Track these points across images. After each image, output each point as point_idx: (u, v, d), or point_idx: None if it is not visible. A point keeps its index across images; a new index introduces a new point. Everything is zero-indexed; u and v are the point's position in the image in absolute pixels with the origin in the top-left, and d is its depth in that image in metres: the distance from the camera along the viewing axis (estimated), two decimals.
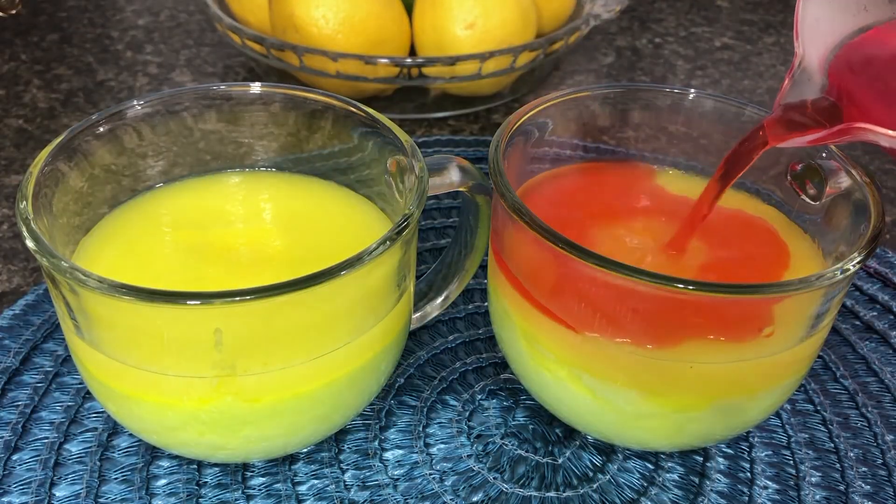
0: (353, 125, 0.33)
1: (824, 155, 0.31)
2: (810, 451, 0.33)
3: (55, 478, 0.30)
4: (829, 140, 0.26)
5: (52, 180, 0.29)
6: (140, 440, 0.32)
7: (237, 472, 0.31)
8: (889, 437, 0.34)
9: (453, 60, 0.50)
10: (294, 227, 0.32)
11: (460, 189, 0.32)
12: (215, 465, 0.31)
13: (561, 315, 0.28)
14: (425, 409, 0.34)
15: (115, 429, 0.32)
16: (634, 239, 0.31)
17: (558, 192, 0.33)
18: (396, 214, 0.32)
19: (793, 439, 0.33)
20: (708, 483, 0.32)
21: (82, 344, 0.27)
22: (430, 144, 0.51)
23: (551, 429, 0.33)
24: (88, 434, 0.32)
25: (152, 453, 0.31)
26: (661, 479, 0.32)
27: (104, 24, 0.65)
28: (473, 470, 0.32)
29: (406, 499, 0.30)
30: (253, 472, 0.31)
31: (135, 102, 0.32)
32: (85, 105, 0.55)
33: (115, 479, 0.30)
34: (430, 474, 0.31)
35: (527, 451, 0.32)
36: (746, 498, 0.31)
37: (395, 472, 0.31)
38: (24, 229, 0.26)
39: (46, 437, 0.32)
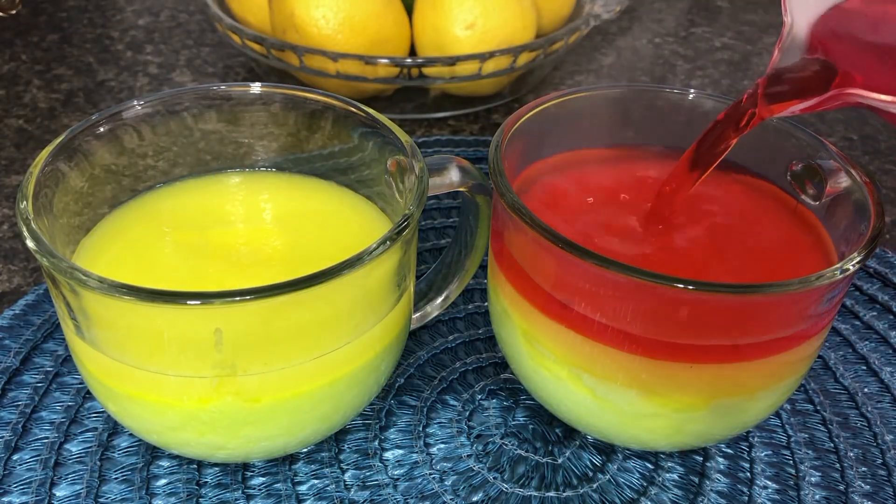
0: (353, 125, 0.33)
1: (824, 155, 0.31)
2: (810, 451, 0.33)
3: (55, 478, 0.30)
4: (821, 107, 0.26)
5: (53, 180, 0.29)
6: (140, 440, 0.32)
7: (237, 472, 0.31)
8: (889, 437, 0.34)
9: (453, 60, 0.50)
10: (294, 227, 0.32)
11: (460, 189, 0.32)
12: (215, 465, 0.31)
13: (561, 315, 0.28)
14: (425, 409, 0.34)
15: (115, 429, 0.32)
16: (636, 230, 0.31)
17: (557, 189, 0.33)
18: (396, 214, 0.32)
19: (792, 439, 0.33)
20: (708, 483, 0.32)
21: (82, 344, 0.27)
22: (430, 144, 0.51)
23: (551, 429, 0.33)
24: (88, 434, 0.32)
25: (152, 453, 0.31)
26: (661, 479, 0.32)
27: (104, 24, 0.65)
28: (473, 470, 0.32)
29: (406, 499, 0.30)
30: (253, 472, 0.31)
31: (135, 102, 0.32)
32: (85, 105, 0.55)
33: (115, 479, 0.30)
34: (430, 474, 0.31)
35: (527, 451, 0.32)
36: (746, 498, 0.31)
37: (395, 472, 0.31)
38: (24, 229, 0.26)
39: (46, 437, 0.32)
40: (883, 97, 0.24)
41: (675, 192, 0.31)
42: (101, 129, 0.31)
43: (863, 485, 0.32)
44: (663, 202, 0.31)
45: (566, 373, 0.29)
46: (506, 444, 0.33)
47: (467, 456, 0.32)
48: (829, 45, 0.27)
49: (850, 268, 0.26)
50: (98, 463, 0.31)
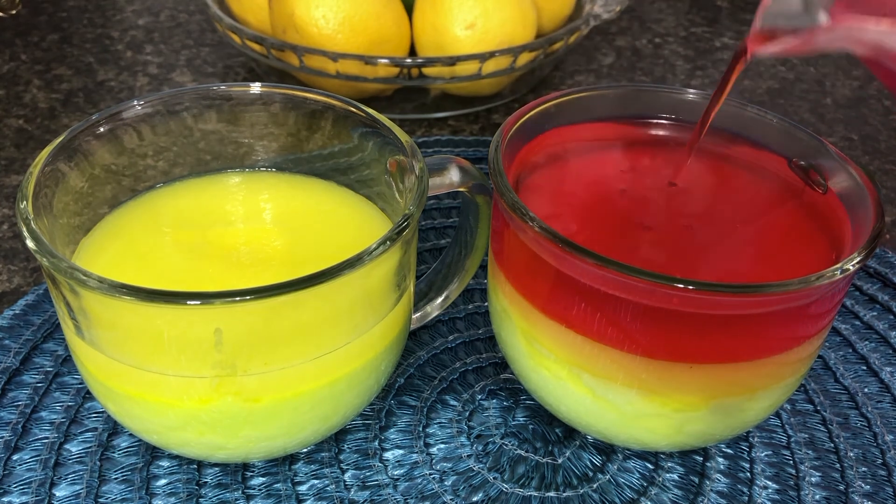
0: (353, 125, 0.33)
1: (824, 155, 0.31)
2: (810, 451, 0.33)
3: (55, 478, 0.30)
4: (812, 45, 0.26)
5: (53, 180, 0.29)
6: (140, 440, 0.32)
7: (237, 472, 0.31)
8: (889, 437, 0.34)
9: (453, 60, 0.50)
10: (294, 227, 0.32)
11: (460, 189, 0.32)
12: (215, 465, 0.31)
13: (561, 315, 0.28)
14: (425, 409, 0.34)
15: (115, 429, 0.32)
16: (637, 225, 0.31)
17: (557, 187, 0.33)
18: (396, 214, 0.32)
19: (793, 439, 0.33)
20: (708, 483, 0.32)
21: (82, 344, 0.27)
22: (430, 144, 0.51)
23: (551, 429, 0.33)
24: (88, 434, 0.32)
25: (152, 453, 0.31)
26: (661, 479, 0.32)
27: (104, 24, 0.65)
28: (473, 470, 0.32)
29: (406, 499, 0.30)
30: (253, 472, 0.31)
31: (135, 102, 0.32)
32: (85, 105, 0.55)
33: (115, 479, 0.30)
34: (430, 474, 0.31)
35: (527, 451, 0.32)
36: (746, 498, 0.31)
37: (395, 472, 0.31)
38: (24, 229, 0.26)
39: (46, 437, 0.32)
40: (875, 27, 0.24)
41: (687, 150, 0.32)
42: (101, 129, 0.31)
43: (863, 485, 0.32)
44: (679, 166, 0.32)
45: (566, 373, 0.29)
46: (506, 444, 0.33)
47: (467, 456, 0.32)
48: None
49: (850, 268, 0.26)
50: (98, 463, 0.31)
